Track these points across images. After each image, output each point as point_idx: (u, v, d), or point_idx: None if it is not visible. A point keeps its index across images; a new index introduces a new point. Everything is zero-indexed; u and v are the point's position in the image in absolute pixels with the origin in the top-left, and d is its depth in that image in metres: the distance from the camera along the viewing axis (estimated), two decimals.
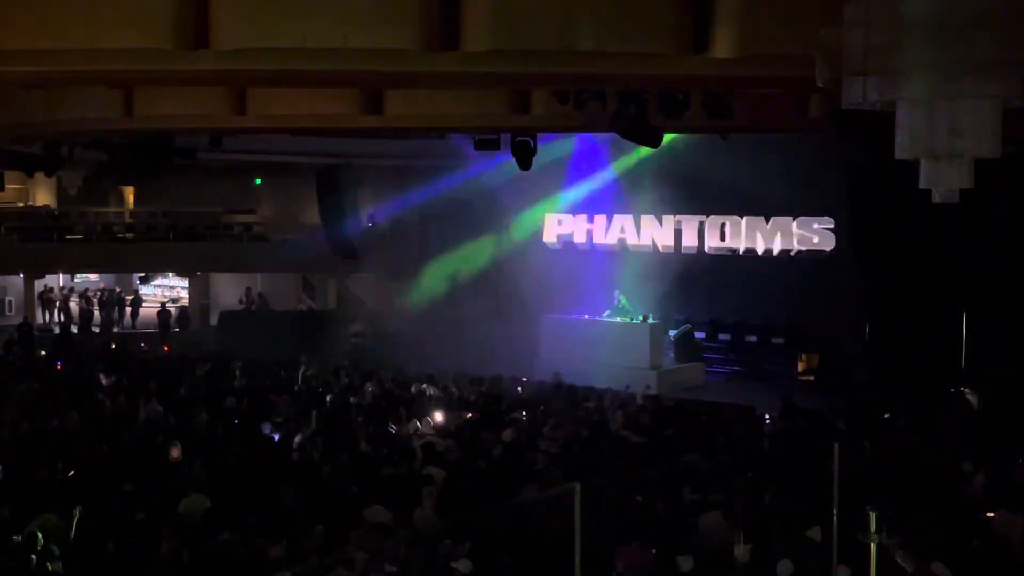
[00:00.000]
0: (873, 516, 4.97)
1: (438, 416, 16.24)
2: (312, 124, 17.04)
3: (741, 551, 8.69)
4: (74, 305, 33.36)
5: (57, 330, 30.61)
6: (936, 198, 5.69)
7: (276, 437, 14.84)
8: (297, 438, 14.39)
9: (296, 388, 19.06)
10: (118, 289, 35.05)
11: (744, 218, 25.30)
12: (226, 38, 8.18)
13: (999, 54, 4.79)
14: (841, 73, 5.15)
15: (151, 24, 8.20)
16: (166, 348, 26.10)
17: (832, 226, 23.63)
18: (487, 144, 17.70)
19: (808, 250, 24.26)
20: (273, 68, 9.79)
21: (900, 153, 5.25)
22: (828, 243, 23.87)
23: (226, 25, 8.12)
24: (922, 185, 5.52)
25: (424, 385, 19.50)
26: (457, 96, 14.76)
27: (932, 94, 4.96)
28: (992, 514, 9.44)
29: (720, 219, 25.69)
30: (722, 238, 25.72)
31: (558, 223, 28.64)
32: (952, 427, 14.50)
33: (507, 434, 14.75)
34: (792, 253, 24.50)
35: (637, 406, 17.96)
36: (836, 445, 7.65)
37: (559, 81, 12.40)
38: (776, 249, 24.80)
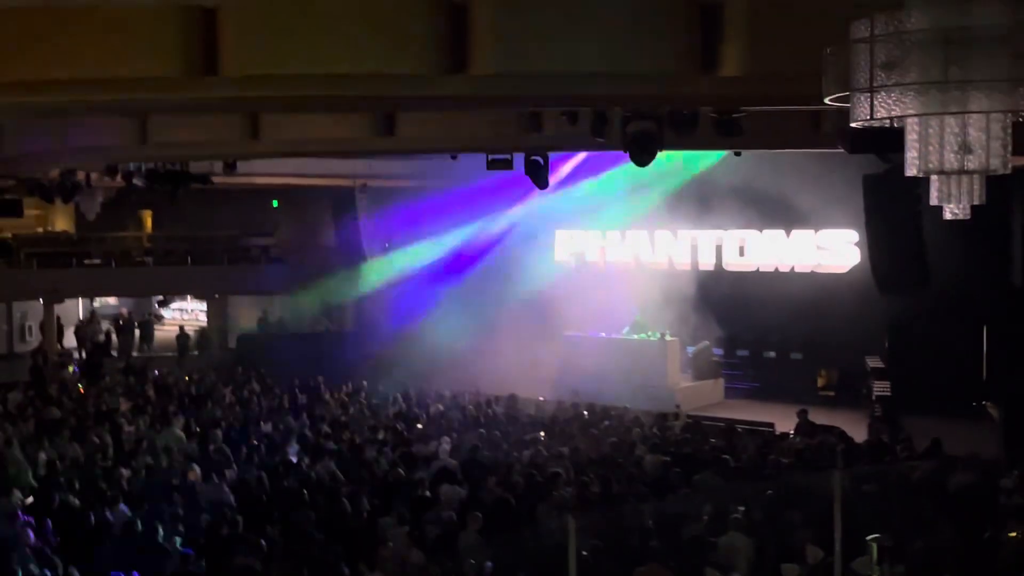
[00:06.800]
0: (874, 546, 4.90)
1: (456, 436, 16.21)
2: (325, 148, 17.11)
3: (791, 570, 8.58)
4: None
5: (77, 355, 30.70)
6: (948, 214, 5.67)
7: (295, 460, 14.85)
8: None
9: (316, 411, 19.04)
10: (125, 311, 35.07)
11: (763, 231, 24.77)
12: (236, 65, 8.24)
13: (1007, 69, 4.75)
14: (848, 90, 5.12)
15: (162, 52, 8.28)
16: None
17: (857, 240, 22.33)
18: (499, 164, 17.68)
19: (830, 266, 23.56)
20: (283, 94, 9.84)
21: (910, 170, 5.21)
22: (853, 258, 22.85)
23: (235, 52, 8.19)
24: (933, 202, 5.50)
25: (441, 406, 19.50)
26: (469, 117, 14.79)
27: (940, 111, 4.93)
28: (1014, 534, 9.31)
29: (739, 233, 25.03)
30: (740, 254, 25.36)
31: (569, 239, 28.31)
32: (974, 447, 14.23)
33: (526, 454, 14.71)
34: (813, 269, 23.96)
35: (656, 425, 17.87)
36: (836, 474, 7.49)
37: (568, 102, 12.42)
38: (797, 267, 24.24)
